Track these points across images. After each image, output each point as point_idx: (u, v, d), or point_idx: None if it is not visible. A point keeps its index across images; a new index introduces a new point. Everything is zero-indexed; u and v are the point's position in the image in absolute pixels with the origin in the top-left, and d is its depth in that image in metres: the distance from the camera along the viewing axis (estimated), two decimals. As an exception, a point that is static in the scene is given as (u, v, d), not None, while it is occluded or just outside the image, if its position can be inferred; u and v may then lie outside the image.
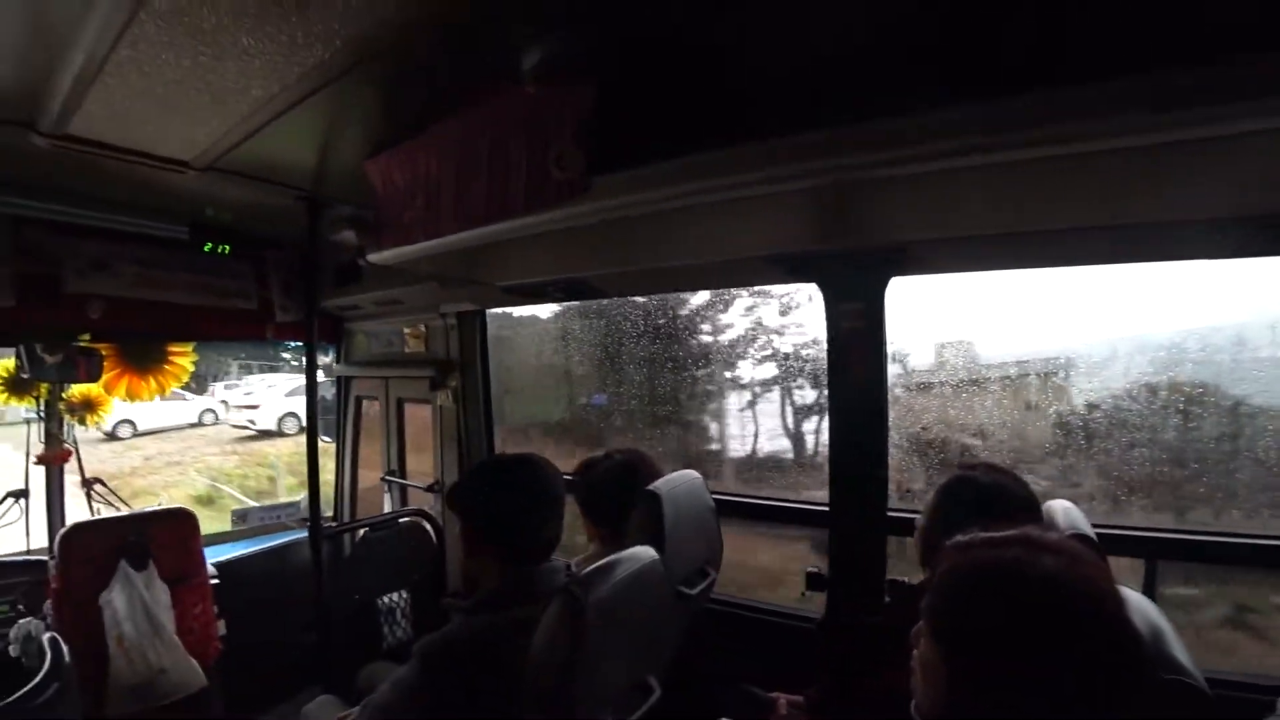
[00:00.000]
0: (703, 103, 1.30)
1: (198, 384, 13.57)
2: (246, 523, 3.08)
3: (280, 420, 12.79)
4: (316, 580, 2.05)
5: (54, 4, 1.13)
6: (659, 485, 1.71)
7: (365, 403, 3.02)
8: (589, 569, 1.27)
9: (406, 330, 2.72)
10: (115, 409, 2.76)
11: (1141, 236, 1.40)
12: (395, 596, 2.45)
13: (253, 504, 3.22)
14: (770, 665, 1.90)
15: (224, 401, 14.30)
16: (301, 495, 3.21)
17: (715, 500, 1.92)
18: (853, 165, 1.13)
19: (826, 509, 1.92)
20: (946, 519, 1.32)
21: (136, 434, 12.61)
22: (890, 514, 1.85)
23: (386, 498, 2.97)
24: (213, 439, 13.34)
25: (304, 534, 3.07)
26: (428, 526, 2.57)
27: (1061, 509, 1.42)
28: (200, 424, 13.87)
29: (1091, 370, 2.21)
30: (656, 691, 1.33)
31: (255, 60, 1.24)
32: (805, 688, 1.74)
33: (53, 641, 1.72)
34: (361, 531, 2.49)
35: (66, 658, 1.69)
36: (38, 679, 1.54)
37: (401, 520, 2.54)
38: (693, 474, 1.89)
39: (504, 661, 1.22)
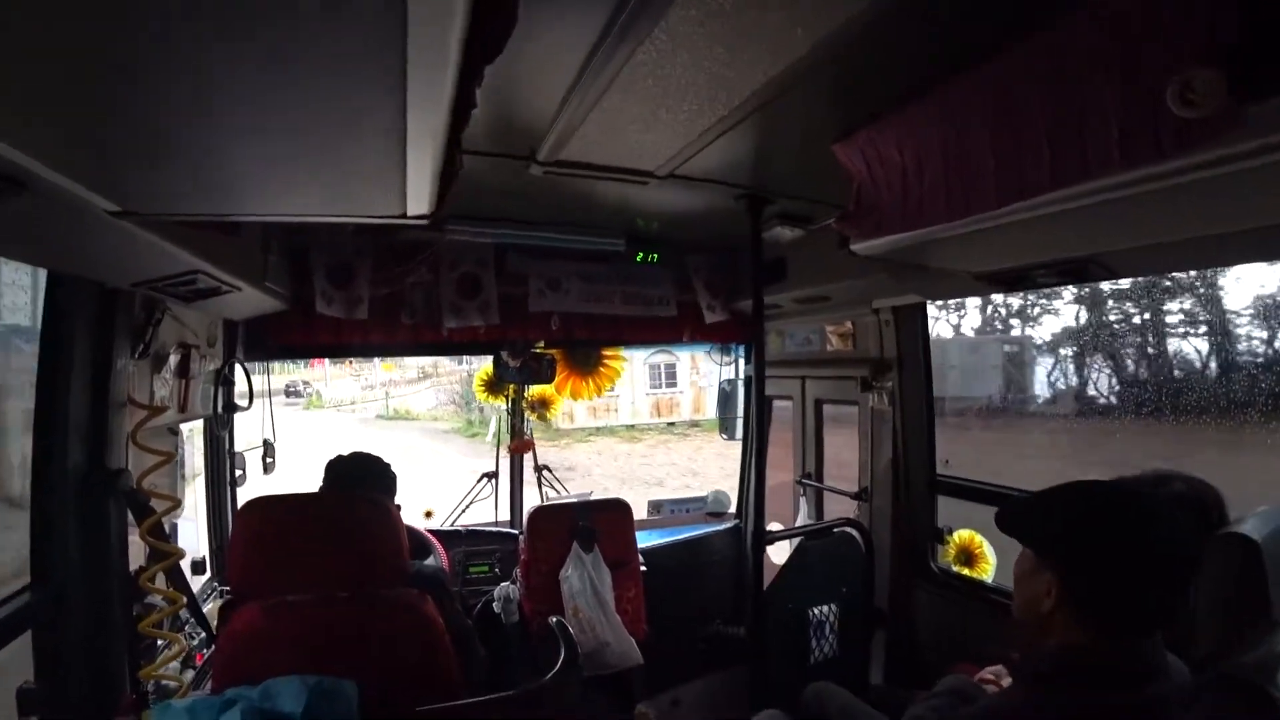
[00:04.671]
0: None
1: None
2: (660, 513, 3.32)
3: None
4: (756, 580, 2.03)
5: (562, 50, 1.14)
6: (1249, 528, 1.22)
7: (775, 403, 3.00)
8: None
9: (830, 328, 2.59)
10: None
11: None
12: (825, 609, 2.34)
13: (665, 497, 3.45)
14: None
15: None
16: (708, 491, 3.35)
17: None
18: None
19: None
20: None
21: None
22: None
23: (802, 501, 2.90)
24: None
25: (712, 527, 3.24)
26: (857, 537, 2.41)
27: None
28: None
29: None
30: None
31: (745, 55, 1.14)
32: None
33: (560, 626, 1.94)
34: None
35: (574, 638, 1.89)
36: (562, 659, 1.74)
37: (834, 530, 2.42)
38: None
39: None
